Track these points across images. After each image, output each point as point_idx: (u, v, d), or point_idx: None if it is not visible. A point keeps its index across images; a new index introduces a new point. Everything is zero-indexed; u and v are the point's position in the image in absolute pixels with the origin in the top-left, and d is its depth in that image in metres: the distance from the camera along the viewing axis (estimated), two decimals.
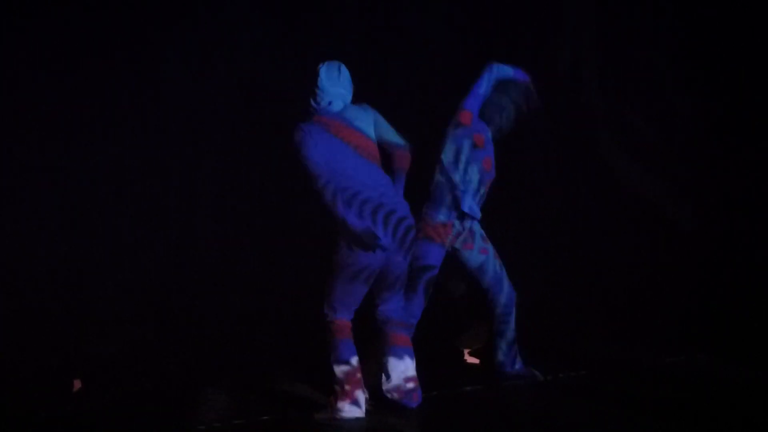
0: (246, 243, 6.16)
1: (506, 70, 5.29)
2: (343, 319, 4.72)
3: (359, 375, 4.69)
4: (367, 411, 4.69)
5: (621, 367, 5.58)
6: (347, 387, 4.64)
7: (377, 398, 4.82)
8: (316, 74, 4.77)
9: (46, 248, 5.64)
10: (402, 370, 4.80)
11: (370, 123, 4.81)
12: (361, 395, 4.68)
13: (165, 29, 5.90)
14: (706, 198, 6.48)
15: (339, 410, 4.63)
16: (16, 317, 5.51)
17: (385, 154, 4.86)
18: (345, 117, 4.76)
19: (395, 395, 4.78)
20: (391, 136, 4.88)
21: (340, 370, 4.67)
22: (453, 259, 5.33)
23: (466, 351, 5.86)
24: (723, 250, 6.41)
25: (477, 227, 5.35)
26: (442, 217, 5.24)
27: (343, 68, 4.82)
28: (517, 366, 5.34)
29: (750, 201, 6.36)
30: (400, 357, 4.83)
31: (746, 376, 5.17)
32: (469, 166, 5.23)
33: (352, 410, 4.64)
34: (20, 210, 5.61)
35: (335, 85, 4.76)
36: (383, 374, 4.82)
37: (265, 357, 5.86)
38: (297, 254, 6.06)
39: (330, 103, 4.75)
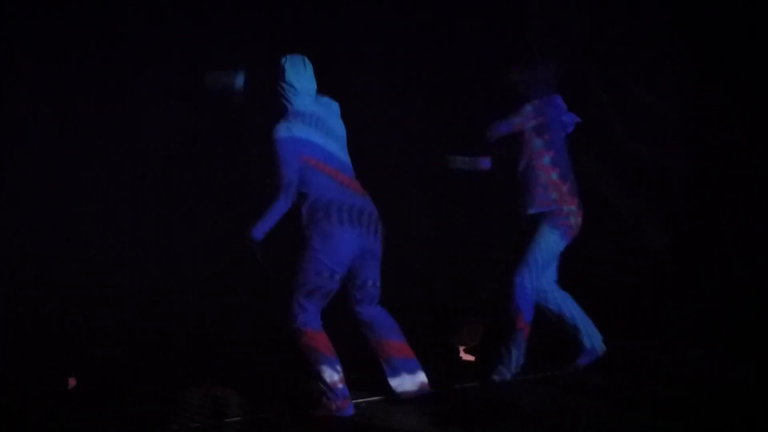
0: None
1: None
2: (314, 328, 4.67)
3: (342, 376, 4.66)
4: (361, 408, 4.69)
5: (616, 364, 5.57)
6: (337, 388, 4.64)
7: (371, 395, 4.82)
8: (281, 69, 4.74)
9: (44, 248, 5.64)
10: (415, 380, 4.83)
11: (339, 116, 4.85)
12: (348, 397, 4.66)
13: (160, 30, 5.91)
14: (702, 197, 6.46)
15: (332, 409, 4.62)
16: (13, 317, 5.51)
17: None
18: (319, 113, 4.75)
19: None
20: None
21: (324, 377, 4.64)
22: None
23: (461, 348, 5.86)
24: (718, 248, 6.40)
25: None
26: None
27: (307, 61, 4.80)
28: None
29: (746, 199, 6.35)
30: (410, 371, 4.82)
31: (741, 373, 5.16)
32: None
33: (344, 410, 4.63)
34: (18, 210, 5.61)
35: (301, 79, 4.75)
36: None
37: (263, 356, 5.86)
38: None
39: (298, 96, 4.72)
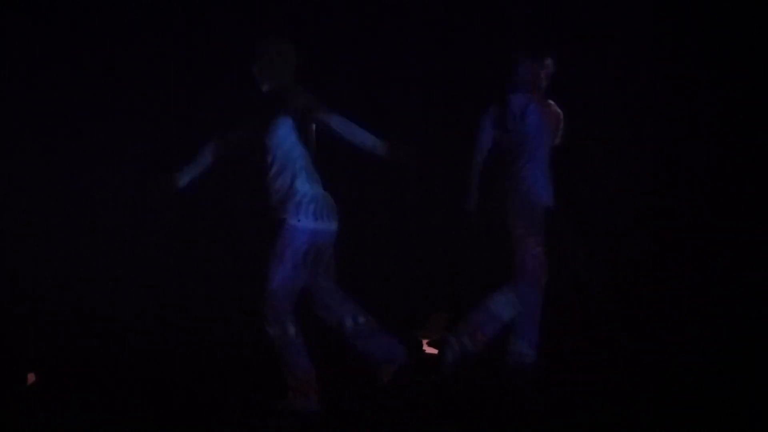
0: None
1: None
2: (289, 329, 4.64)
3: (314, 379, 4.64)
4: (321, 403, 4.68)
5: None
6: (303, 387, 4.62)
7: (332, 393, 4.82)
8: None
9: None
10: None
11: None
12: (314, 396, 4.64)
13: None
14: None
15: (296, 404, 4.60)
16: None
17: None
18: None
19: None
20: None
21: (293, 375, 4.62)
22: None
23: (424, 341, 5.86)
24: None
25: None
26: None
27: None
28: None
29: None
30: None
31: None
32: None
33: (307, 404, 4.62)
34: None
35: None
36: None
37: (225, 350, 5.84)
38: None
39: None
